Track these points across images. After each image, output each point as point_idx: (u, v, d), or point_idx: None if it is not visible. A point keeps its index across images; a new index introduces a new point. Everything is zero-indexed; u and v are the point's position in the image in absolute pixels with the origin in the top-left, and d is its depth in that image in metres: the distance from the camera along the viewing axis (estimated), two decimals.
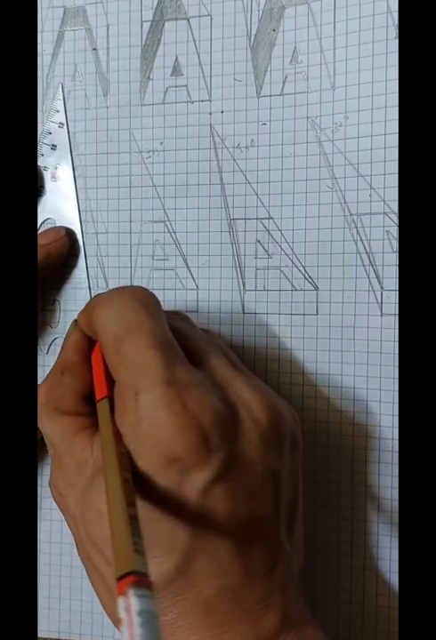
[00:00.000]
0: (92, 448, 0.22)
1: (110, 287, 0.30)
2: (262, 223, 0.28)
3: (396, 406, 0.26)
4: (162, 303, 0.29)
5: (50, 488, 0.24)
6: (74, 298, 0.30)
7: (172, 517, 0.20)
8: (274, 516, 0.21)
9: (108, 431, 0.21)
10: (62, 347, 0.24)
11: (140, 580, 0.15)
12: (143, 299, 0.22)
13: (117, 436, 0.20)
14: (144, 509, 0.19)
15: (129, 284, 0.27)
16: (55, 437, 0.23)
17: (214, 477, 0.20)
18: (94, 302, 0.23)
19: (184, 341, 0.23)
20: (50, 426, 0.23)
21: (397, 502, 0.26)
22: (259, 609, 0.20)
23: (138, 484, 0.19)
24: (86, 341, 0.24)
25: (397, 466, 0.26)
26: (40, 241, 0.29)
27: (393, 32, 0.26)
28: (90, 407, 0.23)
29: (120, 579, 0.16)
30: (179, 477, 0.19)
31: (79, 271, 0.30)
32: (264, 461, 0.21)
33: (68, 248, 0.30)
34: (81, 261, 0.30)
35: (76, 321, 0.24)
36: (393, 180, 0.26)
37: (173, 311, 0.26)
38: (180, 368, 0.21)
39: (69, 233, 0.30)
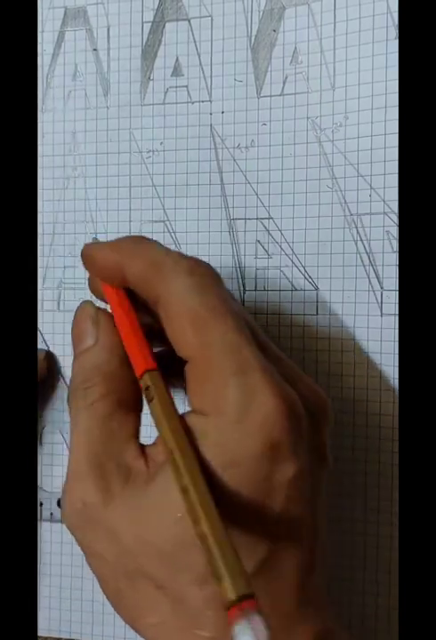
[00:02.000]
0: (145, 456, 0.20)
1: None
2: (262, 223, 0.28)
3: (396, 406, 0.26)
4: None
5: (63, 500, 0.21)
6: (51, 419, 0.30)
7: (257, 516, 0.18)
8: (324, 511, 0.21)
9: (174, 420, 0.19)
10: (100, 329, 0.22)
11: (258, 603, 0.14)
12: (219, 277, 0.21)
13: (182, 423, 0.19)
14: (231, 504, 0.18)
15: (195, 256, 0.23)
16: (101, 437, 0.21)
17: (302, 467, 0.19)
18: (159, 259, 0.21)
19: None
20: (102, 424, 0.21)
21: (397, 503, 0.26)
22: (315, 609, 0.20)
23: (228, 473, 0.18)
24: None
25: (397, 467, 0.26)
26: None
27: (393, 32, 0.26)
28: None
29: (235, 604, 0.14)
30: (273, 466, 0.18)
31: (60, 392, 0.30)
32: (324, 450, 0.21)
33: (45, 373, 0.29)
34: (61, 384, 0.30)
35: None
36: (393, 180, 0.26)
37: None
38: (260, 353, 0.20)
39: (48, 357, 0.30)
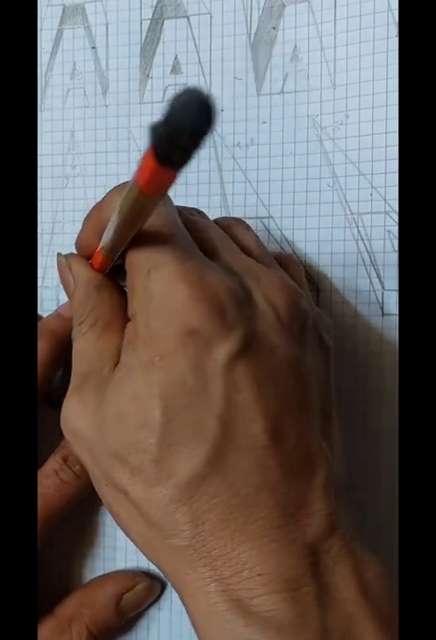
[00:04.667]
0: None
1: None
2: (262, 222, 0.28)
3: (397, 407, 0.26)
4: None
5: (62, 424, 0.22)
6: None
7: (196, 402, 0.19)
8: (304, 410, 0.20)
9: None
10: (77, 267, 0.24)
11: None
12: (170, 206, 0.22)
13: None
14: (167, 398, 0.19)
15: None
16: (90, 358, 0.22)
17: (236, 353, 0.19)
18: (97, 204, 0.23)
19: (198, 234, 0.22)
20: (95, 344, 0.22)
21: (397, 503, 0.26)
22: (303, 516, 0.19)
23: (157, 371, 0.19)
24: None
25: (397, 467, 0.26)
26: (64, 312, 0.28)
27: (394, 30, 0.26)
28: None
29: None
30: (198, 353, 0.19)
31: None
32: (285, 346, 0.20)
33: None
34: None
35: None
36: (394, 178, 0.26)
37: (190, 207, 0.25)
38: (194, 251, 0.20)
39: None
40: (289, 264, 0.24)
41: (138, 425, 0.19)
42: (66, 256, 0.25)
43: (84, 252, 0.25)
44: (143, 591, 0.27)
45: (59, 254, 0.26)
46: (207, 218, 0.25)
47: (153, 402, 0.19)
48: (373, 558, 0.20)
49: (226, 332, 0.19)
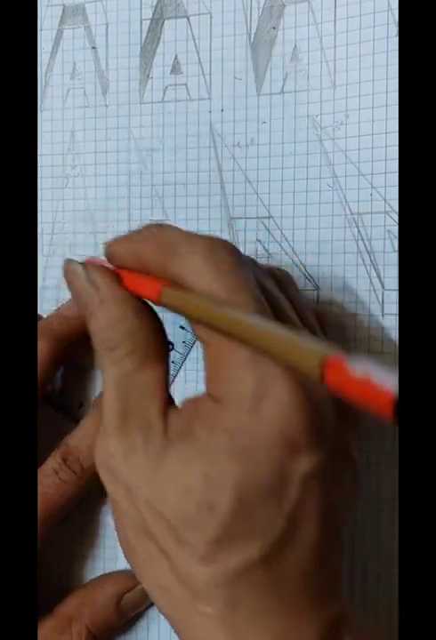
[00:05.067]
0: (167, 417, 0.20)
1: None
2: (262, 222, 0.28)
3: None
4: None
5: (95, 450, 0.21)
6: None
7: (268, 501, 0.18)
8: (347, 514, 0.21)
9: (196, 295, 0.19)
10: (105, 281, 0.22)
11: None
12: (238, 256, 0.20)
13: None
14: (241, 490, 0.18)
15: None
16: (129, 391, 0.21)
17: (320, 466, 0.19)
18: (171, 240, 0.20)
19: (281, 314, 0.21)
20: (135, 377, 0.21)
21: (397, 504, 0.26)
22: (326, 596, 0.20)
23: (236, 462, 0.18)
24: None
25: (397, 468, 0.26)
26: (65, 311, 0.27)
27: (394, 30, 0.26)
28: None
29: (323, 365, 0.15)
30: (284, 458, 0.18)
31: None
32: (350, 450, 0.21)
33: None
34: None
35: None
36: (394, 178, 0.26)
37: (272, 266, 0.25)
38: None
39: None
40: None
41: (202, 507, 0.19)
42: (85, 265, 0.22)
43: (117, 262, 0.22)
44: (144, 591, 0.27)
45: (71, 262, 0.23)
46: (288, 283, 0.24)
47: (225, 491, 0.18)
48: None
49: (317, 446, 0.19)
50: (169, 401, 0.21)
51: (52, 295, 0.31)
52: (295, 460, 0.18)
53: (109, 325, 0.21)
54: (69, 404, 0.29)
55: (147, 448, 0.20)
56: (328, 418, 0.19)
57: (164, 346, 0.22)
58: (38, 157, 0.30)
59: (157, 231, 0.21)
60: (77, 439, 0.27)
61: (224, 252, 0.20)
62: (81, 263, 0.23)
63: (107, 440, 0.21)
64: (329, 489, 0.19)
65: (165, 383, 0.21)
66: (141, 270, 0.21)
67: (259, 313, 0.19)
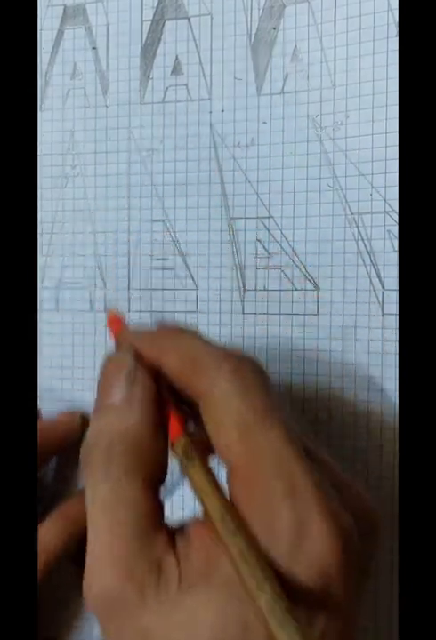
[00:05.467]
0: (176, 551, 0.18)
1: (108, 288, 0.30)
2: (262, 222, 0.28)
3: (397, 407, 0.26)
4: (161, 304, 0.29)
5: (87, 582, 0.19)
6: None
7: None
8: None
9: (218, 499, 0.18)
10: (131, 403, 0.20)
11: None
12: (266, 377, 0.19)
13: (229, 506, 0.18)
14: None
15: (241, 352, 0.21)
16: (128, 523, 0.18)
17: (350, 590, 0.18)
18: (198, 355, 0.19)
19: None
20: (128, 506, 0.18)
21: (397, 504, 0.26)
22: None
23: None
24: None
25: (397, 468, 0.26)
26: (53, 429, 0.28)
27: (394, 30, 0.26)
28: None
29: None
30: (321, 594, 0.17)
31: None
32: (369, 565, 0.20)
33: (81, 436, 0.28)
34: None
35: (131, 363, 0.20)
36: (394, 178, 0.26)
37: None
38: (312, 469, 0.18)
39: (83, 418, 0.29)
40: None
41: None
42: (135, 359, 0.20)
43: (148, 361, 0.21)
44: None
45: (119, 355, 0.21)
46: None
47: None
48: None
49: (350, 575, 0.18)
50: (171, 529, 0.19)
51: (51, 295, 0.31)
52: (328, 595, 0.18)
53: (121, 429, 0.19)
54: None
55: (160, 594, 0.18)
56: (356, 545, 0.18)
57: (164, 473, 0.20)
58: (38, 157, 0.30)
59: (179, 340, 0.20)
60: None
61: (252, 373, 0.19)
62: (133, 360, 0.20)
63: (106, 575, 0.18)
64: (352, 605, 0.19)
65: (163, 512, 0.19)
66: (160, 375, 0.20)
67: (287, 439, 0.18)
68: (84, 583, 0.19)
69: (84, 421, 0.29)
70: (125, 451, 0.19)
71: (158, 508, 0.19)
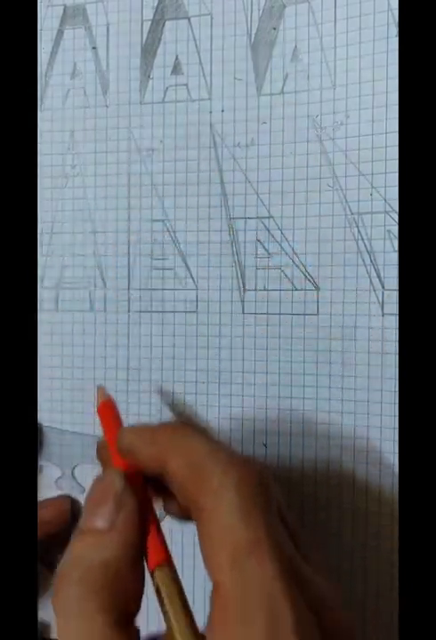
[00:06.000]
0: None
1: (108, 288, 0.30)
2: (262, 222, 0.28)
3: (397, 407, 0.26)
4: (161, 304, 0.29)
5: None
6: None
7: None
8: None
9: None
10: (120, 516, 0.19)
11: None
12: (270, 493, 0.19)
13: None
14: None
15: (249, 459, 0.21)
16: None
17: None
18: (203, 462, 0.19)
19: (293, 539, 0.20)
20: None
21: (397, 504, 0.26)
22: None
23: None
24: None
25: (397, 467, 0.26)
26: (41, 514, 0.27)
27: (394, 30, 0.26)
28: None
29: None
30: None
31: None
32: None
33: (69, 521, 0.29)
34: None
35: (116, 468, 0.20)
36: (394, 178, 0.26)
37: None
38: (302, 604, 0.18)
39: (73, 503, 0.29)
40: None
41: None
42: (124, 480, 0.20)
43: (133, 458, 0.21)
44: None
45: (112, 472, 0.21)
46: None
47: None
48: None
49: None
50: None
51: (51, 295, 0.31)
52: None
53: (101, 561, 0.19)
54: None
55: None
56: None
57: (139, 606, 0.19)
58: (38, 157, 0.30)
59: (187, 443, 0.20)
60: None
61: (257, 494, 0.19)
62: (123, 481, 0.20)
63: None
64: None
65: (138, 636, 0.19)
66: (156, 475, 0.20)
67: (279, 576, 0.18)
68: None
69: (73, 506, 0.29)
70: (101, 586, 0.18)
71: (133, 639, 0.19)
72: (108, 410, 0.24)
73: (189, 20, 0.29)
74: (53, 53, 0.30)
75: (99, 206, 0.30)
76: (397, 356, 0.26)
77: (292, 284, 0.28)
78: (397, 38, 0.26)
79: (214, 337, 0.28)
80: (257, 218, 0.28)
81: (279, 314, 0.28)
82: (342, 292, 0.27)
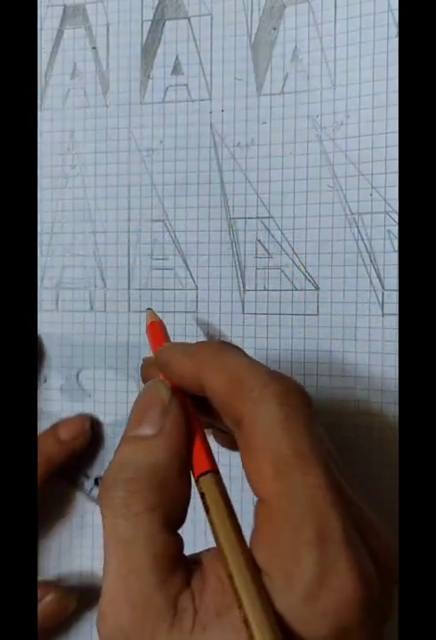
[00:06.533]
0: (192, 591, 0.18)
1: (108, 288, 0.30)
2: (262, 222, 0.28)
3: (397, 407, 0.26)
4: (161, 304, 0.29)
5: (100, 619, 0.18)
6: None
7: None
8: None
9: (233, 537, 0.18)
10: (160, 425, 0.19)
11: None
12: (312, 409, 0.19)
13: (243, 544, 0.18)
14: None
15: (288, 377, 0.20)
16: (144, 560, 0.18)
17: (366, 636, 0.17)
18: (243, 376, 0.19)
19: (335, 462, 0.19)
20: (146, 543, 0.18)
21: (397, 504, 0.26)
22: None
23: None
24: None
25: (398, 467, 0.26)
26: (62, 434, 0.28)
27: (394, 30, 0.26)
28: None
29: None
30: (334, 635, 0.17)
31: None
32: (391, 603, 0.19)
33: (90, 440, 0.29)
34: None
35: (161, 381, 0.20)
36: (394, 178, 0.26)
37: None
38: (349, 518, 0.17)
39: (93, 423, 0.30)
40: None
41: None
42: (171, 389, 0.20)
43: (174, 378, 0.21)
44: (50, 603, 0.27)
45: (158, 383, 0.21)
46: None
47: None
48: None
49: (368, 625, 0.17)
50: (188, 563, 0.19)
51: (51, 295, 0.31)
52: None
53: (148, 464, 0.19)
54: (82, 478, 0.30)
55: (172, 633, 0.17)
56: (376, 597, 0.18)
57: (185, 512, 0.19)
58: (38, 157, 0.30)
59: (226, 359, 0.20)
60: None
61: (299, 406, 0.18)
62: (170, 391, 0.20)
63: (120, 614, 0.18)
64: None
65: (182, 551, 0.19)
66: (195, 391, 0.20)
67: (325, 485, 0.17)
68: (98, 615, 0.18)
69: (93, 425, 0.29)
70: (149, 487, 0.19)
71: (177, 545, 0.19)
72: (156, 330, 0.24)
73: (189, 20, 0.29)
74: (53, 53, 0.30)
75: (99, 206, 0.30)
76: (397, 356, 0.26)
77: (292, 284, 0.28)
78: (397, 38, 0.26)
79: (214, 337, 0.28)
80: (257, 218, 0.28)
81: (279, 314, 0.28)
82: (342, 292, 0.27)
